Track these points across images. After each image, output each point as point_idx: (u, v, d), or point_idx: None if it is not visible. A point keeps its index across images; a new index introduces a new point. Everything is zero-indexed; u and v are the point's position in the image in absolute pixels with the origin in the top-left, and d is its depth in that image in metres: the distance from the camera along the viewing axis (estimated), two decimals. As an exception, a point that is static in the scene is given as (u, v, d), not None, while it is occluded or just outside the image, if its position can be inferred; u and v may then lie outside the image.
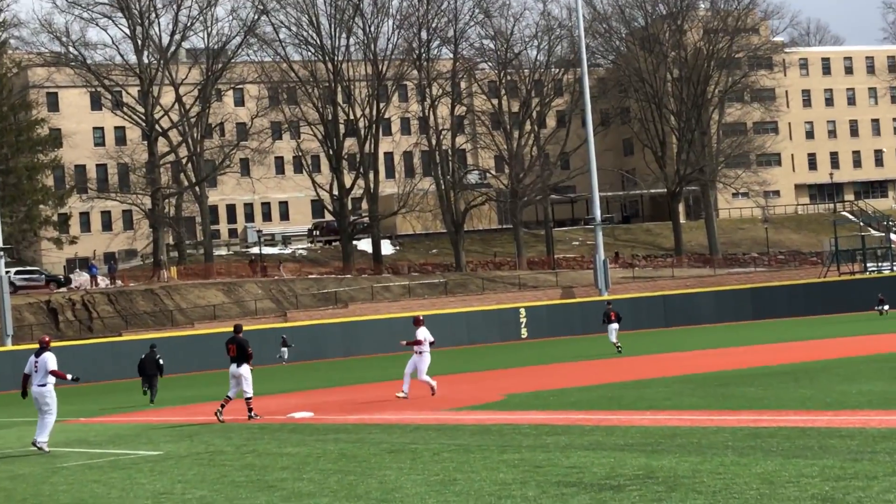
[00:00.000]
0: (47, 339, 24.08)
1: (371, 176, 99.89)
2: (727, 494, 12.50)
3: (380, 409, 28.15)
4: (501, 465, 15.98)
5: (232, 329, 28.47)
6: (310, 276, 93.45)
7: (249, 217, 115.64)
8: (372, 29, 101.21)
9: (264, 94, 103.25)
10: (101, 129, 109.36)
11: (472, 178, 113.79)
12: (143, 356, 40.41)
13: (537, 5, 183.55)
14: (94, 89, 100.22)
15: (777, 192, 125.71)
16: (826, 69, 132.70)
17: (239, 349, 27.24)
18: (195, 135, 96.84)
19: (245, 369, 27.18)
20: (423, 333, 30.53)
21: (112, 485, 17.30)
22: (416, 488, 14.56)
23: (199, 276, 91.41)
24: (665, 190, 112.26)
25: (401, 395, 29.96)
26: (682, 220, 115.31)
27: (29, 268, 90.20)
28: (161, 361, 39.99)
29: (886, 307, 71.66)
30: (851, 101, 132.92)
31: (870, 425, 17.77)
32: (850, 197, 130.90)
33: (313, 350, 69.97)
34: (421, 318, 31.56)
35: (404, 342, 30.99)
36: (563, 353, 53.05)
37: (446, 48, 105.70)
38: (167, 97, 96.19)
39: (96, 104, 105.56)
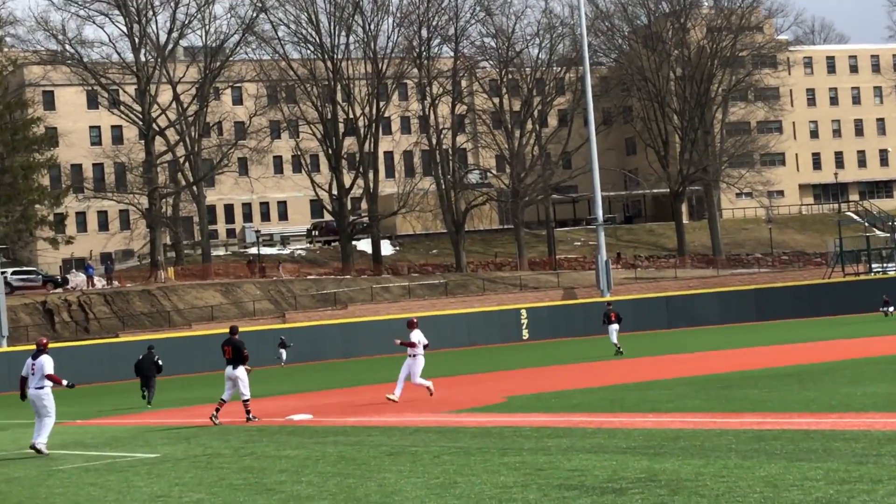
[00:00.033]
0: (45, 341, 24.05)
1: (371, 175, 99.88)
2: (730, 498, 12.50)
3: (379, 411, 28.15)
4: (502, 468, 15.98)
5: (228, 331, 28.47)
6: (309, 277, 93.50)
7: (248, 217, 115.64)
8: (372, 27, 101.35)
9: (263, 92, 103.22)
10: (98, 127, 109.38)
11: (473, 177, 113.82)
12: (141, 357, 40.42)
13: (539, 3, 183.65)
14: (90, 88, 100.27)
15: (781, 192, 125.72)
16: (831, 68, 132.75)
17: (235, 351, 27.23)
18: (193, 134, 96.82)
19: (241, 371, 27.18)
20: (417, 336, 30.52)
21: (108, 488, 17.30)
22: (416, 491, 14.56)
23: (197, 276, 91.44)
24: (668, 190, 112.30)
25: (391, 397, 29.85)
26: (685, 220, 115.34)
27: (26, 268, 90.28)
28: (160, 362, 40.02)
29: (891, 308, 71.61)
30: (856, 100, 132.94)
31: (875, 428, 17.77)
32: (854, 197, 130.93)
33: (312, 351, 69.98)
34: (415, 320, 31.56)
35: (398, 341, 31.01)
36: (565, 354, 53.07)
37: (447, 46, 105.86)
38: (164, 96, 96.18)
39: (93, 103, 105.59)
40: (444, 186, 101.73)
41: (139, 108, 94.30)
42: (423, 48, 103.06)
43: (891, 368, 29.48)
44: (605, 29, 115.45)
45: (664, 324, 78.93)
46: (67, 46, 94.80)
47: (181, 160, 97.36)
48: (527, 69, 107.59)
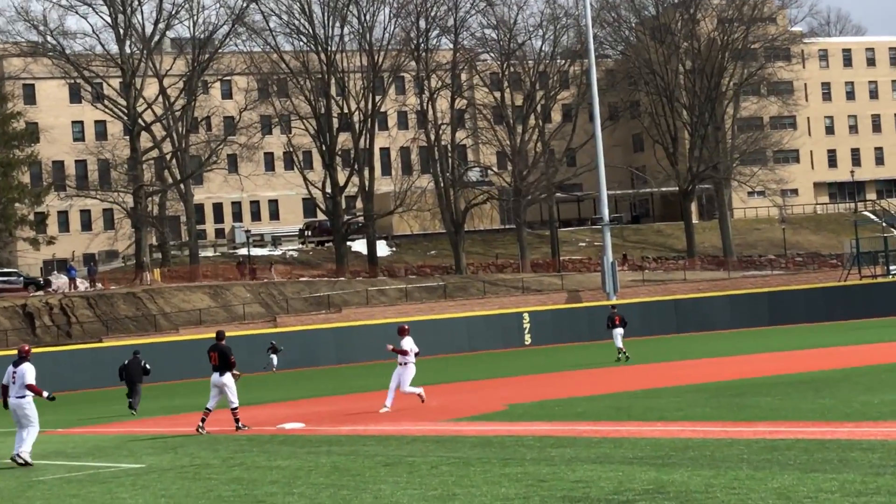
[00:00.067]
0: (27, 348, 24.03)
1: (366, 173, 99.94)
2: (742, 511, 12.53)
3: (374, 419, 28.19)
4: (503, 480, 15.99)
5: (214, 336, 28.46)
6: (301, 279, 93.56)
7: (237, 216, 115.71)
8: (367, 17, 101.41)
9: (253, 86, 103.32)
10: (81, 122, 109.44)
11: (473, 175, 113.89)
12: (126, 362, 40.42)
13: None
14: (73, 81, 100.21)
15: (795, 191, 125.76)
16: (847, 61, 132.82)
17: (221, 357, 27.21)
18: (180, 129, 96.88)
19: (228, 378, 27.17)
20: (408, 343, 30.64)
21: (91, 499, 17.32)
22: (413, 503, 14.59)
23: (184, 278, 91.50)
24: (677, 188, 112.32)
25: (384, 409, 30.02)
26: (694, 220, 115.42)
27: (6, 270, 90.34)
28: (147, 367, 40.01)
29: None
30: (874, 94, 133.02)
31: (893, 437, 17.80)
32: (871, 196, 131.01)
33: (304, 357, 70.00)
34: (406, 327, 31.67)
35: (390, 347, 31.08)
36: (569, 360, 53.13)
37: (446, 38, 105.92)
38: (150, 89, 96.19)
39: (75, 97, 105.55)
40: (442, 184, 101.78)
41: (124, 103, 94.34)
42: (421, 40, 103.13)
43: (909, 375, 29.51)
44: (612, 20, 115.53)
45: (673, 328, 78.99)
46: (49, 38, 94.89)
47: (168, 157, 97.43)
48: (529, 62, 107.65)
